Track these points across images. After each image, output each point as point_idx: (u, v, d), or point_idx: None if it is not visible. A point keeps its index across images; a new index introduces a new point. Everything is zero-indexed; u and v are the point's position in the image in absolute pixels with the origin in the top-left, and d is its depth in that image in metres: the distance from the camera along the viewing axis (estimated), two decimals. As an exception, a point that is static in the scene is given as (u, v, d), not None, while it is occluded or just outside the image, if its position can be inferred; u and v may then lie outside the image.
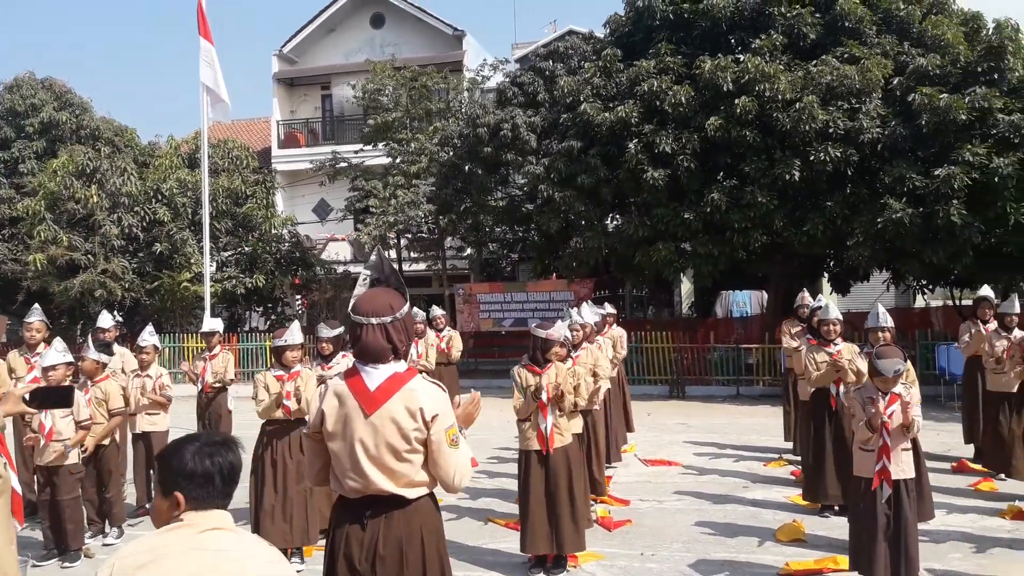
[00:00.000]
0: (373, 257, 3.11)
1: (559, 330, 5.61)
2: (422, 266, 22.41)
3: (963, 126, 12.34)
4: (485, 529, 6.61)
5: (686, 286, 22.29)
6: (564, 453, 5.51)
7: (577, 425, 5.94)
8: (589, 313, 7.65)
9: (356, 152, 22.14)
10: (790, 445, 8.90)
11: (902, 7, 13.85)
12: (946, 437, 9.33)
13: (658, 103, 13.79)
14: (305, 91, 28.28)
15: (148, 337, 7.50)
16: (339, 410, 2.88)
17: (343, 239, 23.91)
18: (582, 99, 14.82)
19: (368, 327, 2.88)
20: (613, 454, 8.54)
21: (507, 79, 18.81)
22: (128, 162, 20.01)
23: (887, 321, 5.86)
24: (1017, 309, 7.71)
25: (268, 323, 22.09)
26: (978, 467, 8.17)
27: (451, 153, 18.58)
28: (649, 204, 14.14)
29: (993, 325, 7.99)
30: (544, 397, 5.42)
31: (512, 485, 5.86)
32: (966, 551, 5.76)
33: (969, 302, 15.07)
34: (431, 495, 2.96)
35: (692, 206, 13.68)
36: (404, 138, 20.41)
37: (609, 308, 9.95)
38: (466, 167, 17.28)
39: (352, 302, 2.98)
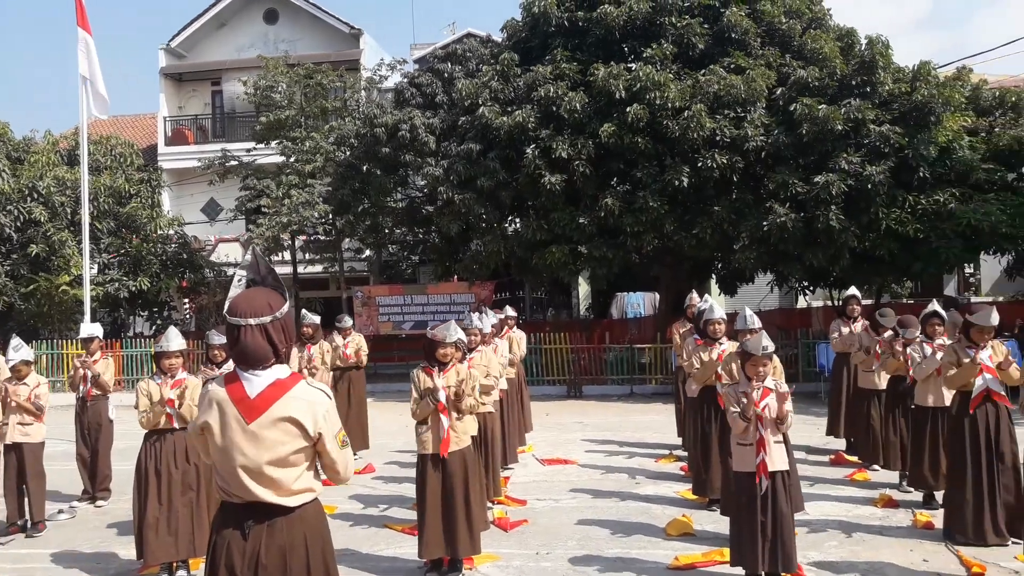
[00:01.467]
0: (248, 257, 3.01)
1: (444, 331, 5.59)
2: (318, 268, 21.96)
3: (840, 135, 13.08)
4: (381, 535, 6.55)
5: (583, 288, 22.72)
6: (461, 456, 5.52)
7: (473, 428, 5.96)
8: (485, 317, 7.68)
9: (248, 150, 21.50)
10: (680, 441, 9.19)
11: (784, 21, 14.55)
12: (824, 430, 9.82)
13: (554, 109, 14.01)
14: (194, 87, 27.25)
15: (13, 353, 6.91)
16: (218, 418, 2.78)
17: (234, 240, 23.14)
18: (481, 102, 14.89)
19: (247, 328, 2.78)
20: (510, 455, 8.61)
21: (405, 79, 18.69)
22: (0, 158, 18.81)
23: (755, 323, 6.15)
24: (894, 322, 8.17)
25: (153, 328, 21.16)
26: (853, 459, 8.66)
27: (348, 153, 18.32)
28: (547, 208, 14.35)
29: (861, 324, 8.49)
30: (442, 398, 5.42)
31: (410, 490, 5.84)
32: (841, 539, 6.10)
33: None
34: (316, 501, 2.90)
35: (587, 210, 13.96)
36: (298, 136, 19.95)
37: (509, 311, 10.02)
38: (364, 167, 17.06)
39: (228, 304, 2.86)
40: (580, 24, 14.93)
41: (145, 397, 5.67)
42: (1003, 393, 5.92)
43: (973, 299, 21.13)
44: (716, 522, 6.44)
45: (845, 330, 8.85)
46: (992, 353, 5.93)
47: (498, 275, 18.04)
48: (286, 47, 24.43)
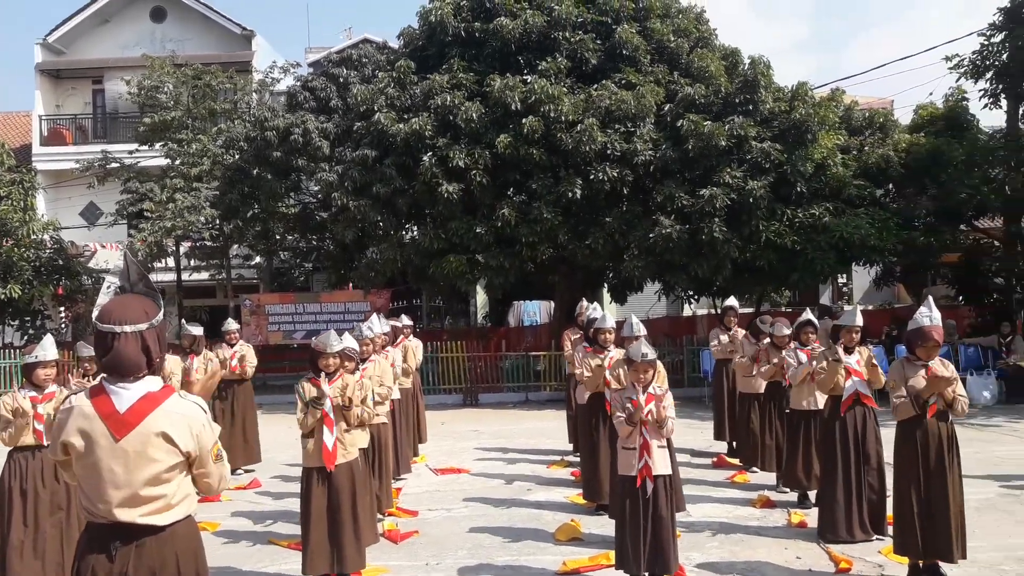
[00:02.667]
0: (119, 262, 2.88)
1: (325, 340, 5.50)
2: (205, 275, 21.19)
3: (723, 151, 13.64)
4: (266, 551, 6.36)
5: (481, 297, 22.80)
6: (348, 469, 5.43)
7: (363, 439, 5.88)
8: (378, 326, 7.60)
9: (131, 152, 20.55)
10: (572, 447, 9.35)
11: (672, 39, 15.06)
12: (708, 434, 10.19)
13: (451, 117, 14.03)
14: (73, 84, 25.87)
15: None
16: (83, 435, 2.63)
17: (114, 246, 22.02)
18: (376, 108, 14.76)
19: (121, 336, 2.65)
20: (403, 466, 8.54)
21: (299, 83, 18.32)
22: None
23: (640, 330, 6.35)
24: (768, 327, 8.58)
25: (25, 339, 19.87)
26: (734, 461, 9.03)
27: (237, 156, 17.78)
28: (444, 216, 14.33)
29: (741, 332, 8.91)
30: (328, 408, 5.32)
31: (297, 504, 5.70)
32: (722, 539, 6.33)
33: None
34: (189, 519, 2.79)
35: (484, 220, 14.04)
36: (184, 139, 19.22)
37: (405, 320, 9.94)
38: (254, 171, 16.59)
39: (97, 311, 2.72)
40: (477, 35, 15.02)
41: (7, 412, 5.33)
42: (870, 396, 6.30)
43: (846, 307, 22.42)
44: (604, 526, 6.57)
45: (724, 338, 9.26)
46: (859, 357, 6.31)
47: (394, 283, 17.89)
48: (173, 46, 23.53)
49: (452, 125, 14.10)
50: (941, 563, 5.20)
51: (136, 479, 2.62)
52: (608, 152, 13.59)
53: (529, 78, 13.97)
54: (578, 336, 8.89)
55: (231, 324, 9.80)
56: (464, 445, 10.77)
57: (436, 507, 7.52)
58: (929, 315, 5.27)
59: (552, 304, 19.64)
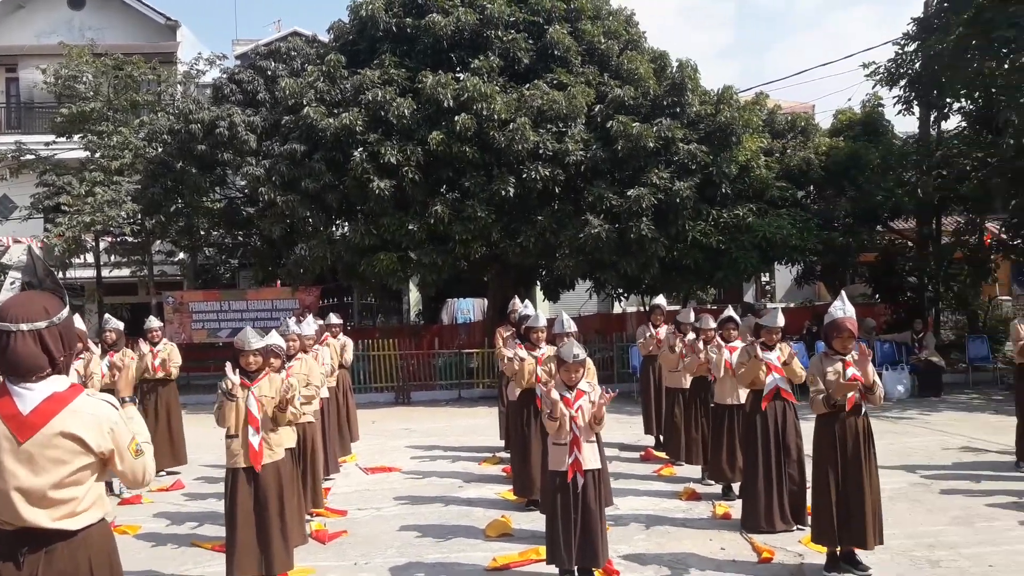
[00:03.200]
0: (24, 257, 2.78)
1: (244, 338, 5.40)
2: (126, 272, 20.46)
3: (652, 152, 13.87)
4: (189, 554, 6.21)
5: (414, 294, 22.65)
6: (275, 469, 5.35)
7: (290, 439, 5.79)
8: (305, 324, 7.49)
9: (47, 144, 19.72)
10: (504, 443, 9.39)
11: (603, 41, 15.24)
12: (637, 429, 10.38)
13: (383, 113, 13.90)
14: (-15, 72, 24.67)
15: None
16: None
17: (30, 241, 21.09)
18: (305, 102, 14.52)
19: (17, 335, 2.53)
20: (332, 465, 8.44)
21: (225, 75, 17.86)
22: None
23: (571, 327, 6.44)
24: (692, 318, 8.81)
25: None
26: (661, 455, 9.21)
27: (160, 149, 17.24)
28: (376, 213, 14.19)
29: (665, 329, 9.13)
30: (254, 410, 5.23)
31: (222, 506, 5.58)
32: (648, 532, 6.47)
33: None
34: (103, 522, 2.70)
35: (417, 217, 13.95)
36: (105, 130, 18.52)
37: (333, 318, 9.82)
38: (177, 165, 16.10)
39: None
40: (409, 31, 14.91)
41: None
42: (790, 391, 6.52)
43: (768, 305, 23.10)
44: (534, 521, 6.64)
45: (650, 334, 9.45)
46: (780, 354, 6.53)
47: (324, 280, 17.63)
48: (93, 35, 22.65)
49: (384, 121, 13.97)
50: (857, 550, 5.41)
51: (43, 482, 2.52)
52: (540, 151, 13.68)
53: (462, 76, 13.94)
54: (510, 333, 8.94)
55: (153, 322, 9.51)
56: (395, 443, 10.71)
57: (366, 506, 7.46)
58: (843, 308, 5.49)
59: (486, 301, 19.67)
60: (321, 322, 9.01)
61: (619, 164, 14.01)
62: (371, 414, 13.41)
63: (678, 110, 14.61)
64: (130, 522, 6.95)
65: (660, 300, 9.90)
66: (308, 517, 6.66)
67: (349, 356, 9.87)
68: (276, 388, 5.41)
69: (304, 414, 6.29)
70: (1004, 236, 15.15)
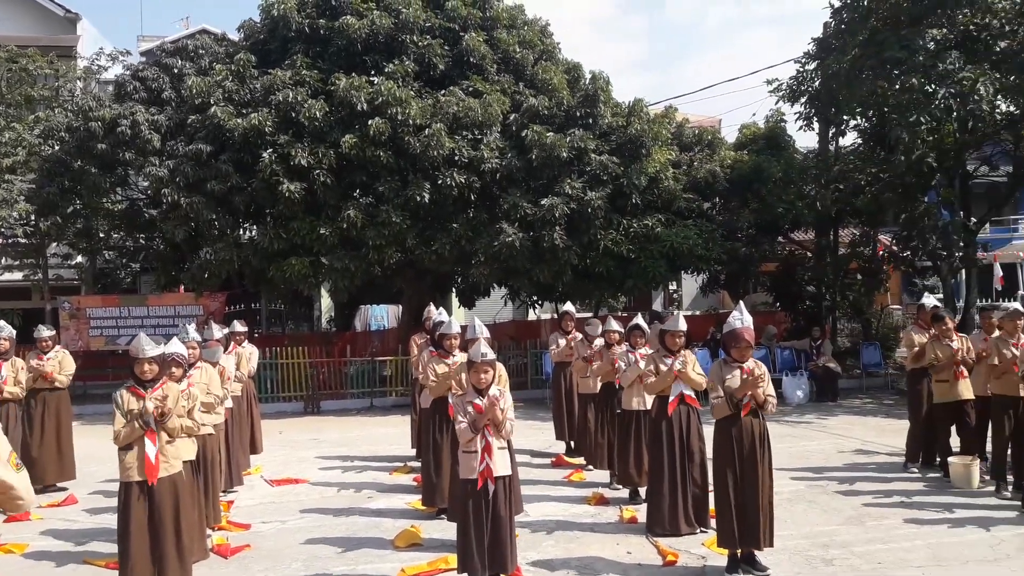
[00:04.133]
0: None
1: (138, 345, 5.19)
2: (18, 275, 19.38)
3: (565, 162, 14.06)
4: (80, 571, 5.91)
5: (326, 300, 22.25)
6: (171, 483, 5.15)
7: (189, 451, 5.59)
8: (209, 330, 7.25)
9: (-69, 138, 18.47)
10: (415, 452, 9.30)
11: (518, 51, 15.36)
12: (548, 435, 10.47)
13: (294, 115, 13.63)
14: None
15: None
16: None
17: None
18: (213, 102, 14.11)
19: None
20: (235, 478, 8.20)
21: (128, 72, 17.17)
22: None
23: (483, 332, 6.45)
24: (599, 331, 8.93)
25: None
26: (572, 460, 9.32)
27: (57, 147, 16.42)
28: (286, 216, 13.88)
29: (579, 336, 9.26)
30: (151, 421, 5.02)
31: (115, 522, 5.32)
32: (558, 537, 6.52)
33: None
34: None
35: (329, 221, 13.71)
36: (-4, 126, 17.53)
37: (237, 326, 9.53)
38: (76, 164, 15.35)
39: None
40: (322, 32, 14.67)
41: None
42: (694, 396, 6.69)
43: (675, 312, 23.69)
44: (444, 530, 6.61)
45: (562, 342, 9.57)
46: (684, 359, 6.71)
47: (231, 286, 17.11)
48: (-17, 24, 21.42)
49: (294, 122, 13.70)
50: (757, 552, 5.59)
51: None
52: (456, 158, 13.67)
53: (376, 79, 13.80)
54: (424, 340, 8.88)
55: (43, 331, 8.95)
56: (303, 454, 10.47)
57: (270, 519, 7.27)
58: (740, 318, 5.68)
59: (400, 308, 19.50)
60: (226, 329, 8.73)
61: (533, 173, 14.13)
62: (278, 424, 13.10)
63: (591, 121, 14.85)
64: (17, 540, 6.56)
65: (569, 307, 10.05)
66: (208, 531, 6.44)
67: (254, 365, 9.59)
68: (174, 398, 5.22)
69: (204, 425, 6.08)
70: (895, 248, 15.97)
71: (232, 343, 8.88)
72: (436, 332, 7.44)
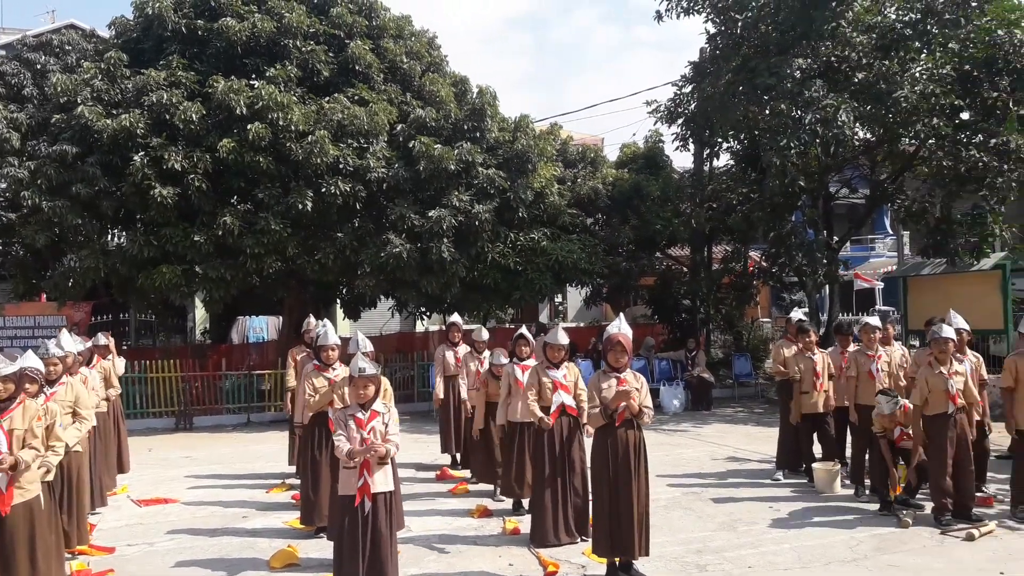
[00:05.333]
0: None
1: None
2: None
3: (453, 175, 14.08)
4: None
5: (200, 311, 21.32)
6: (27, 509, 4.78)
7: (46, 473, 5.20)
8: (70, 342, 6.80)
9: None
10: (294, 469, 9.02)
11: (405, 61, 15.30)
12: (434, 448, 10.39)
13: (168, 117, 13.06)
14: None
15: None
16: None
17: None
18: (80, 101, 13.33)
19: None
20: (98, 498, 7.71)
21: (-17, 65, 16.00)
22: None
23: (366, 346, 6.37)
24: (484, 336, 9.00)
25: None
26: (457, 473, 9.29)
27: (-100, 144, 15.07)
28: (157, 223, 13.25)
29: (465, 348, 9.28)
30: (2, 446, 4.65)
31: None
32: (439, 552, 6.46)
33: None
34: None
35: (204, 228, 13.18)
36: None
37: (101, 339, 8.98)
38: (-80, 164, 14.16)
39: None
40: (200, 33, 14.13)
41: None
42: (575, 407, 6.79)
43: (561, 324, 24.13)
44: (323, 549, 6.42)
45: (449, 354, 9.54)
46: (567, 372, 6.82)
47: (96, 295, 16.14)
48: None
49: (169, 125, 13.12)
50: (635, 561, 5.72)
51: None
52: (341, 166, 13.44)
53: (257, 83, 13.40)
54: (305, 354, 8.66)
55: None
56: (174, 473, 9.96)
57: (136, 542, 6.87)
58: (618, 326, 5.85)
59: (280, 320, 18.92)
60: (88, 342, 8.21)
61: (421, 184, 14.07)
62: (148, 441, 12.44)
63: (478, 135, 14.95)
64: None
65: (455, 318, 10.03)
66: (68, 556, 6.02)
67: (120, 370, 9.09)
68: (31, 417, 4.86)
69: (65, 445, 5.68)
70: (764, 264, 16.84)
71: (96, 357, 8.36)
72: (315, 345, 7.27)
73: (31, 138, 14.06)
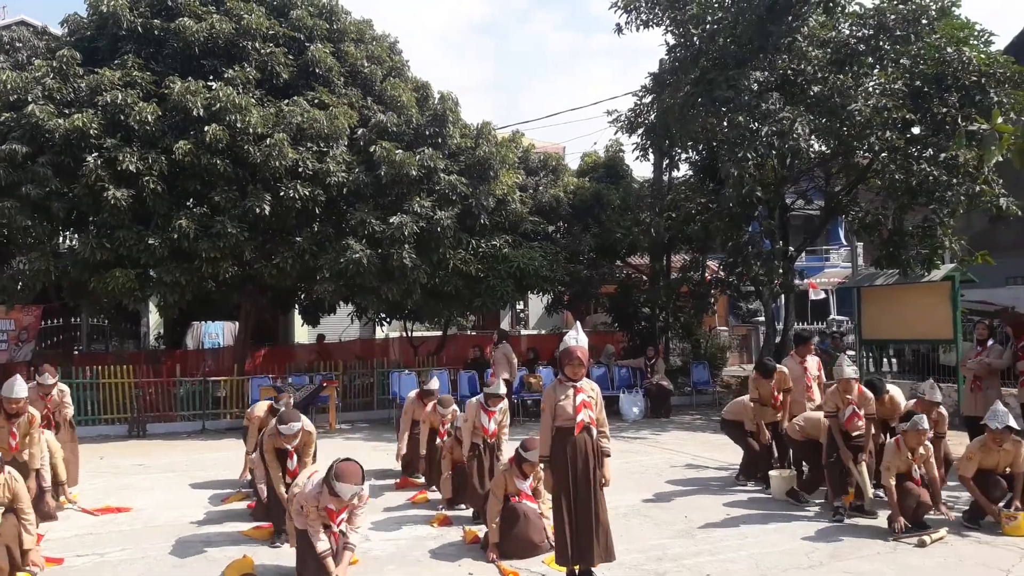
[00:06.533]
0: None
1: None
2: None
3: (414, 180, 14.01)
4: None
5: (154, 316, 20.89)
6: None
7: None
8: (16, 386, 6.70)
9: None
10: (249, 477, 8.86)
11: (367, 65, 15.21)
12: (392, 456, 10.28)
13: (122, 117, 12.79)
14: None
15: None
16: None
17: None
18: (31, 99, 12.99)
19: None
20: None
21: (-72, 61, 15.47)
22: None
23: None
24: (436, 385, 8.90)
25: None
26: (417, 481, 9.22)
27: None
28: (110, 225, 12.95)
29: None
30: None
31: None
32: (399, 562, 6.39)
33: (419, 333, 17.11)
34: None
35: (159, 231, 12.93)
36: None
37: (49, 378, 8.75)
38: None
39: None
40: (156, 32, 13.88)
41: None
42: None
43: (522, 331, 24.18)
44: (280, 557, 6.33)
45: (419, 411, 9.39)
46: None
47: (47, 299, 15.70)
48: None
49: (123, 125, 12.84)
50: (595, 568, 5.72)
51: None
52: (300, 170, 13.29)
53: (214, 85, 13.20)
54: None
55: None
56: (127, 481, 9.72)
57: (87, 552, 6.68)
58: (575, 337, 5.82)
59: (237, 325, 18.62)
60: (32, 383, 8.02)
61: (382, 190, 13.97)
62: (100, 449, 12.12)
63: (440, 141, 14.90)
64: None
65: (434, 385, 9.34)
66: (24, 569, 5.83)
67: (70, 411, 8.96)
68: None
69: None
70: (722, 273, 17.06)
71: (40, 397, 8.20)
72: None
73: (-22, 137, 13.63)
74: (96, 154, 12.57)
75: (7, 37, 15.53)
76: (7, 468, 5.95)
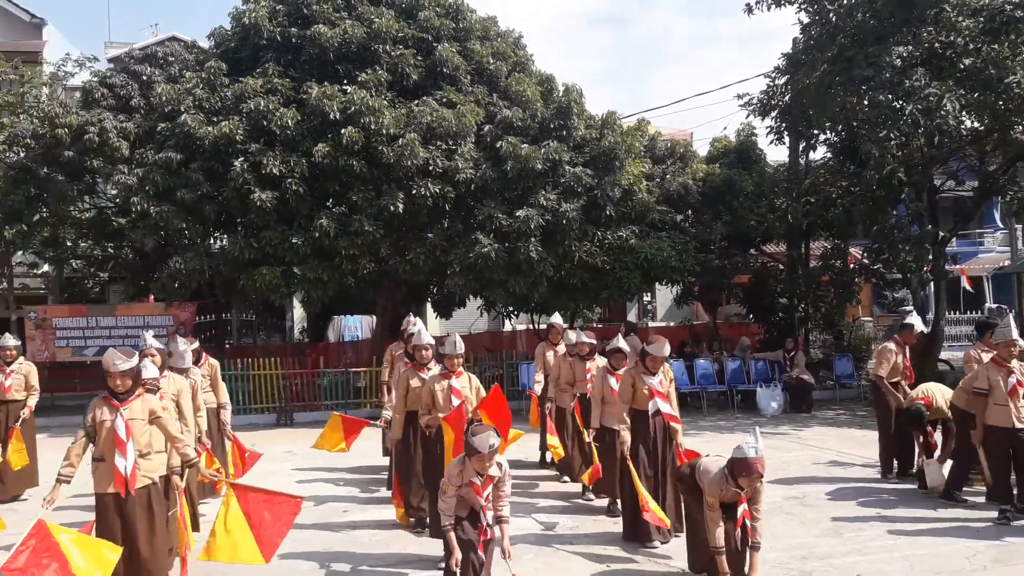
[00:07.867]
0: None
1: (112, 358, 5.07)
2: (-19, 285, 18.97)
3: (540, 174, 14.05)
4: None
5: (298, 311, 22.02)
6: (146, 494, 5.07)
7: (161, 466, 5.46)
8: (174, 343, 7.17)
9: None
10: (387, 460, 9.16)
11: (492, 62, 15.38)
12: (528, 446, 10.38)
13: (265, 123, 13.52)
14: None
15: None
16: None
17: None
18: (183, 109, 13.95)
19: None
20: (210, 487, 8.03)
21: (96, 79, 16.88)
22: None
23: (460, 348, 6.47)
24: (574, 339, 8.89)
25: None
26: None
27: (22, 154, 16.07)
28: (257, 225, 13.74)
29: (562, 348, 9.22)
30: (122, 433, 4.91)
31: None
32: (537, 552, 6.46)
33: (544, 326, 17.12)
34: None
35: (301, 230, 13.59)
36: (-42, 133, 17.13)
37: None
38: (42, 171, 15.06)
39: None
40: (294, 40, 14.58)
41: None
42: (671, 413, 6.64)
43: (650, 324, 23.83)
44: (421, 545, 6.51)
45: (550, 354, 9.51)
46: (662, 378, 6.69)
47: (201, 296, 16.87)
48: (-55, 29, 21.00)
49: (266, 131, 13.58)
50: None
51: None
52: (430, 168, 13.62)
53: (349, 88, 13.72)
54: (401, 352, 8.79)
55: (8, 341, 8.82)
56: (277, 467, 10.28)
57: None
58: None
59: (374, 319, 19.35)
60: (195, 343, 8.52)
61: (508, 184, 14.11)
62: (250, 437, 12.84)
63: (564, 133, 14.87)
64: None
65: (557, 318, 9.94)
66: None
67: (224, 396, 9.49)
68: (148, 410, 5.13)
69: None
70: (866, 260, 16.18)
71: (204, 356, 8.70)
72: (410, 344, 7.37)
73: (139, 146, 14.77)
74: (242, 159, 13.34)
75: (161, 53, 16.75)
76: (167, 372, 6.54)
